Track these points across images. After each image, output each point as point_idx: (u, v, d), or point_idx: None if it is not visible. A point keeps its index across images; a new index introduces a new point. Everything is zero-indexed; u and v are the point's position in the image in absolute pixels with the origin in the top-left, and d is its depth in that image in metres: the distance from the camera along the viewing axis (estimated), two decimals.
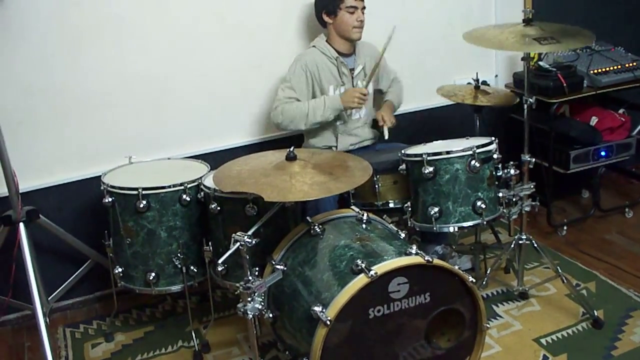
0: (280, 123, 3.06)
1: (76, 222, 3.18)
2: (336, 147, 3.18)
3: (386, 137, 3.13)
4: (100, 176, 2.86)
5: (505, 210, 2.84)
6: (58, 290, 3.19)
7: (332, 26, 3.12)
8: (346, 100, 3.03)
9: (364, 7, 3.09)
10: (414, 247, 2.19)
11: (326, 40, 3.16)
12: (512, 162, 2.83)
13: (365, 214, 2.50)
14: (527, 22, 2.77)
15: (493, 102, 3.05)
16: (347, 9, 3.05)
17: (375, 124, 3.23)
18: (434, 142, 2.94)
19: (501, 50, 3.14)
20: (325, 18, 3.11)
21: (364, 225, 2.47)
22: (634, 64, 3.68)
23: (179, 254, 2.75)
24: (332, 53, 3.12)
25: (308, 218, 2.46)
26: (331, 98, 3.06)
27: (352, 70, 3.18)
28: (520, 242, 2.95)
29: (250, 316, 2.10)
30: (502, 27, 2.82)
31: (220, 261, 2.25)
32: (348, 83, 3.15)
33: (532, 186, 2.88)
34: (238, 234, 2.10)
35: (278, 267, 2.32)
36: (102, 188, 2.78)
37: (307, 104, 3.03)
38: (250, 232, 2.12)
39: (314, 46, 3.15)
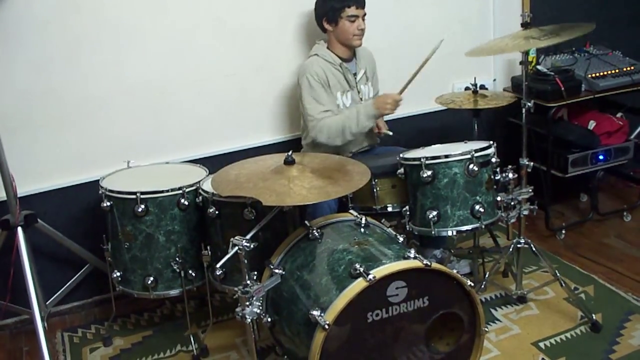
0: (324, 142, 3.02)
1: (74, 226, 3.17)
2: (337, 153, 3.18)
3: (391, 133, 3.17)
4: (98, 180, 2.86)
5: (503, 214, 2.84)
6: (56, 295, 3.19)
7: (332, 33, 3.11)
8: (380, 106, 2.99)
9: (364, 15, 3.09)
10: (413, 251, 2.19)
11: (327, 47, 3.15)
12: (510, 166, 2.83)
13: (364, 218, 2.50)
14: (525, 25, 2.78)
15: (493, 104, 3.05)
16: (348, 17, 3.04)
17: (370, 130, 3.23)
18: (433, 146, 2.95)
19: (503, 54, 3.15)
20: (326, 25, 3.11)
21: (362, 229, 2.46)
22: (632, 67, 3.69)
23: (177, 258, 2.75)
24: (336, 60, 3.11)
25: (306, 222, 2.46)
26: (364, 106, 3.03)
27: (354, 75, 3.18)
28: (519, 245, 2.96)
29: (249, 320, 2.10)
30: (502, 38, 2.84)
31: (218, 265, 2.25)
32: (352, 88, 3.15)
33: (530, 190, 2.89)
34: (236, 238, 2.10)
35: (276, 271, 2.32)
36: (100, 192, 2.78)
37: (341, 118, 3.00)
38: (248, 236, 2.12)
39: (316, 54, 3.13)
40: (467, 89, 3.23)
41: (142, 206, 2.68)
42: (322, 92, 3.04)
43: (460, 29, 3.63)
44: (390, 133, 3.17)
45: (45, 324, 2.77)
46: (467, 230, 2.72)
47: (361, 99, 3.18)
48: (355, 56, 3.21)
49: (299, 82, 3.08)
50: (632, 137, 3.83)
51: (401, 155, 2.79)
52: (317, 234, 2.39)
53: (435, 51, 2.89)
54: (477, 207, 2.67)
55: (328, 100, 3.05)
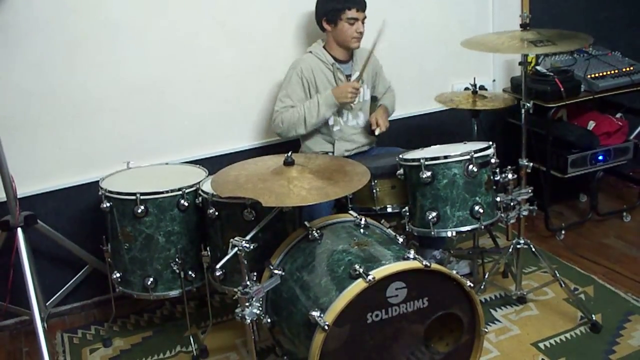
0: (281, 132, 3.10)
1: (74, 227, 3.17)
2: (333, 152, 3.18)
3: (377, 132, 3.14)
4: (98, 181, 2.86)
5: (503, 215, 2.84)
6: (56, 296, 3.19)
7: (331, 34, 3.12)
8: (339, 94, 3.03)
9: (364, 18, 3.09)
10: (412, 251, 2.19)
11: (323, 46, 3.16)
12: (509, 167, 2.83)
13: (363, 219, 2.51)
14: (524, 26, 2.78)
15: (490, 105, 3.06)
16: (348, 20, 3.04)
17: (369, 128, 3.22)
18: (432, 146, 2.95)
19: (498, 53, 3.16)
20: (325, 25, 3.12)
21: (362, 230, 2.47)
22: (631, 68, 3.69)
23: (177, 259, 2.75)
24: (329, 59, 3.12)
25: (306, 223, 2.47)
26: (323, 96, 3.06)
27: (348, 76, 3.18)
28: (518, 246, 2.96)
29: (248, 321, 2.10)
30: (500, 34, 2.84)
31: (218, 266, 2.26)
32: None
33: (529, 190, 2.89)
34: (236, 239, 2.10)
35: (276, 272, 2.32)
36: (100, 193, 2.78)
37: (302, 107, 3.05)
38: (248, 237, 2.12)
39: (310, 52, 3.16)
40: (466, 89, 3.23)
41: (142, 207, 2.68)
42: (298, 90, 3.08)
43: (459, 29, 3.63)
44: (377, 133, 3.14)
45: (45, 325, 2.77)
46: (466, 230, 2.72)
47: (351, 107, 3.18)
48: (353, 58, 3.21)
49: (286, 74, 3.13)
50: (632, 137, 3.83)
51: (400, 156, 2.80)
52: (316, 235, 2.39)
53: (380, 33, 2.91)
54: (476, 207, 2.67)
55: (301, 98, 3.08)
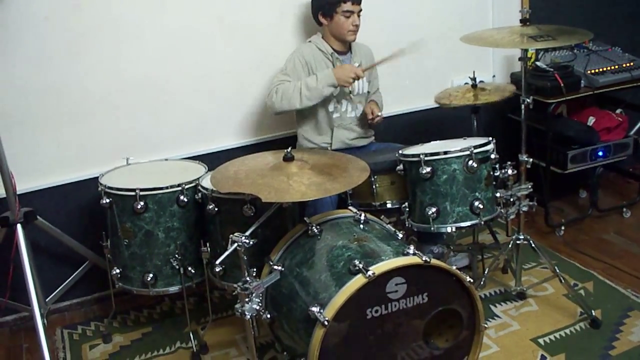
0: (274, 103, 2.99)
1: (74, 223, 3.17)
2: (331, 142, 3.18)
3: (376, 120, 3.13)
4: (97, 177, 2.86)
5: (502, 211, 2.84)
6: (56, 292, 3.19)
7: (327, 27, 3.13)
8: (340, 75, 2.98)
9: (360, 11, 3.09)
10: (412, 247, 2.19)
11: (322, 37, 3.17)
12: (509, 162, 2.83)
13: (363, 215, 2.50)
14: (524, 22, 2.78)
15: (490, 98, 3.03)
16: (344, 13, 3.05)
17: (366, 120, 3.22)
18: (432, 142, 2.95)
19: (497, 47, 3.16)
20: (321, 19, 3.12)
21: (361, 226, 2.46)
22: (631, 64, 3.69)
23: (176, 255, 2.75)
24: (328, 49, 3.13)
25: (306, 219, 2.46)
26: (324, 73, 3.02)
27: None
28: (518, 242, 2.96)
29: (248, 317, 2.10)
30: (499, 29, 2.84)
31: (218, 262, 2.26)
32: None
33: (529, 186, 2.89)
34: (236, 234, 2.10)
35: (276, 267, 2.32)
36: (99, 189, 2.78)
37: (300, 81, 3.00)
38: (247, 233, 2.13)
39: (310, 41, 3.17)
40: (466, 84, 3.22)
41: (142, 203, 2.68)
42: (299, 69, 3.06)
43: (458, 25, 3.62)
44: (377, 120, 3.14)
45: (45, 321, 2.77)
46: (466, 226, 2.72)
47: (350, 92, 3.18)
48: (351, 50, 3.21)
49: (287, 59, 3.12)
50: (632, 133, 3.83)
51: (400, 151, 2.80)
52: (316, 231, 2.39)
53: (412, 49, 2.96)
54: (476, 203, 2.67)
55: (300, 77, 3.05)
